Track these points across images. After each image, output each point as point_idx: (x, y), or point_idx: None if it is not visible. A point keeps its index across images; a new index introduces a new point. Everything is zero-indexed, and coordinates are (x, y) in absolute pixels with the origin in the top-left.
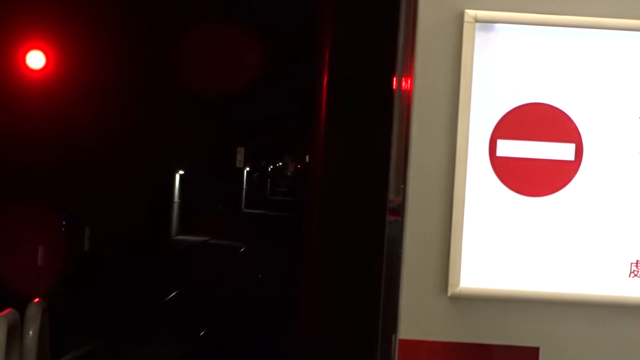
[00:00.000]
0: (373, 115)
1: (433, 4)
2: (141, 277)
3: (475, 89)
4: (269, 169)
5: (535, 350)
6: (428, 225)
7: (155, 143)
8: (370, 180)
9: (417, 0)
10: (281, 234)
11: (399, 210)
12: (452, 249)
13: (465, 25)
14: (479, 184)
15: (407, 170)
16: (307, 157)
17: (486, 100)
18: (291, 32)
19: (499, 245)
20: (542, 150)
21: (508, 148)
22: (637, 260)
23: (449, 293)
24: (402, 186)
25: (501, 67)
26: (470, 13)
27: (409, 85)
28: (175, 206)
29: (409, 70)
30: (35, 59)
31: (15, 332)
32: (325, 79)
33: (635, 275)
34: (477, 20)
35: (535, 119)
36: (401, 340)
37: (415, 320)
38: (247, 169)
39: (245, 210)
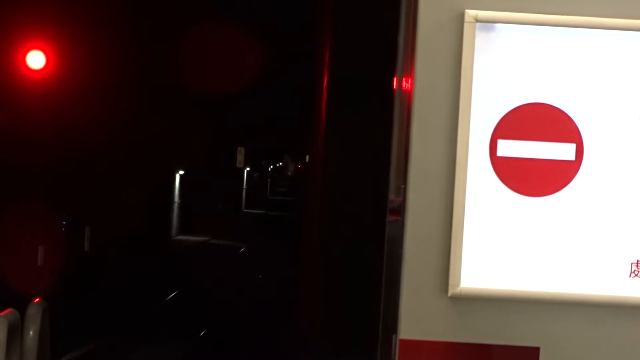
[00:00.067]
0: (373, 116)
1: (433, 4)
2: (141, 277)
3: (475, 89)
4: (269, 169)
5: (536, 350)
6: (428, 225)
7: (155, 143)
8: (371, 180)
9: (418, 0)
10: (281, 234)
11: (400, 210)
12: (453, 249)
13: (466, 25)
14: (479, 184)
15: (407, 170)
16: (307, 157)
17: (487, 100)
18: (291, 32)
19: (500, 246)
20: (543, 150)
21: (508, 148)
22: (638, 260)
23: (450, 293)
24: (403, 186)
25: (502, 67)
26: (470, 13)
27: (409, 85)
28: (175, 206)
29: (409, 70)
30: (35, 59)
31: (15, 332)
32: (325, 79)
33: (636, 275)
34: (477, 20)
35: (536, 119)
36: (401, 341)
37: (416, 320)
38: (247, 169)
39: (245, 210)
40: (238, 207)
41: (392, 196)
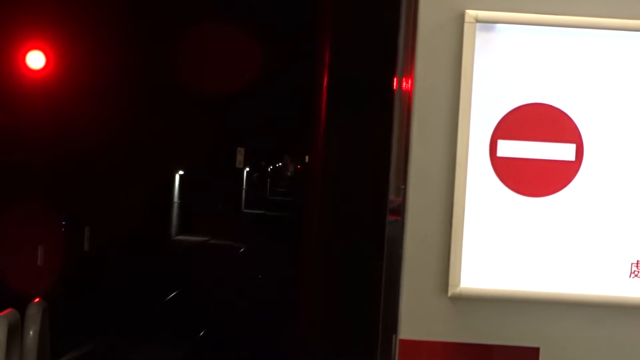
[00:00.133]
0: (373, 116)
1: (434, 4)
2: (141, 277)
3: (475, 89)
4: (269, 169)
5: (536, 351)
6: (428, 226)
7: (155, 143)
8: (371, 180)
9: (418, 1)
10: (281, 234)
11: (400, 211)
12: (453, 249)
13: (466, 26)
14: (479, 185)
15: (407, 171)
16: (307, 157)
17: (487, 101)
18: (291, 32)
19: (500, 246)
20: (543, 150)
21: (508, 148)
22: (638, 261)
23: (450, 293)
24: (403, 186)
25: (502, 68)
26: (471, 13)
27: (409, 86)
28: (175, 206)
29: (409, 70)
30: (35, 59)
31: (15, 332)
32: (325, 79)
33: (636, 275)
34: (477, 21)
35: (536, 120)
36: (401, 341)
37: (416, 321)
38: (247, 169)
39: (245, 211)
40: (238, 207)
41: (392, 196)
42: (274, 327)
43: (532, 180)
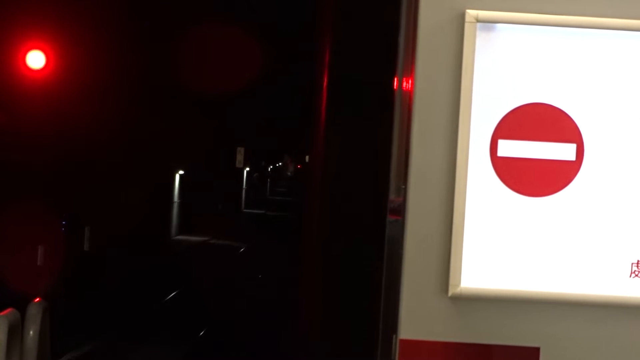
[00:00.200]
0: (373, 115)
1: (434, 4)
2: (141, 277)
3: (476, 89)
4: (269, 169)
5: (536, 351)
6: (429, 226)
7: (155, 143)
8: (371, 180)
9: (418, 0)
10: (281, 234)
11: (400, 211)
12: (453, 249)
13: (467, 26)
14: (479, 184)
15: (407, 171)
16: (307, 157)
17: (487, 101)
18: (291, 32)
19: (500, 246)
20: (543, 150)
21: (509, 148)
22: (638, 261)
23: (450, 293)
24: (403, 186)
25: (502, 67)
26: (471, 13)
27: (409, 86)
28: (175, 206)
29: (409, 70)
30: (35, 59)
31: (15, 331)
32: (325, 79)
33: (636, 275)
34: (478, 21)
35: (537, 119)
36: (402, 341)
37: (416, 321)
38: (247, 169)
39: (245, 211)
40: (238, 207)
41: (392, 196)
42: (274, 327)
43: (533, 180)
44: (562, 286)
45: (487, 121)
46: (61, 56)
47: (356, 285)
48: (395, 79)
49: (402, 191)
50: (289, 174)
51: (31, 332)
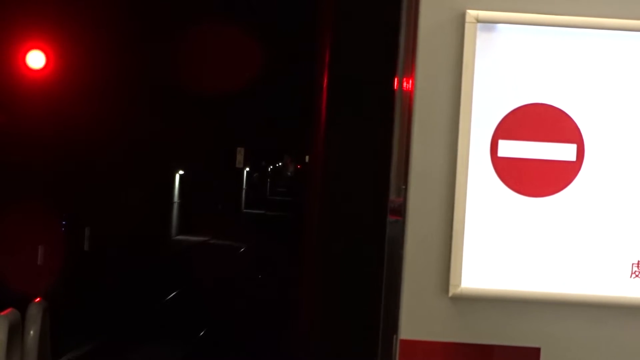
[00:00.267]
0: (373, 116)
1: (434, 4)
2: (141, 277)
3: (476, 89)
4: (269, 169)
5: (537, 351)
6: (429, 226)
7: (155, 143)
8: (371, 180)
9: (419, 1)
10: (281, 234)
11: (400, 211)
12: (454, 249)
13: (467, 26)
14: (480, 185)
15: (408, 171)
16: (307, 157)
17: (487, 101)
18: (291, 32)
19: (500, 246)
20: (544, 150)
21: (509, 148)
22: (639, 261)
23: (450, 293)
24: (403, 186)
25: (502, 68)
26: (471, 13)
27: (410, 86)
28: (175, 206)
29: (410, 70)
30: (35, 59)
31: (16, 331)
32: (325, 79)
33: (637, 275)
34: (478, 21)
35: (537, 120)
36: (402, 341)
37: (417, 321)
38: (247, 169)
39: (245, 211)
40: (238, 207)
41: (392, 196)
42: (274, 327)
43: (533, 180)
44: (563, 286)
45: (487, 121)
46: (61, 56)
47: (356, 285)
48: (396, 79)
49: (403, 191)
50: (289, 174)
51: (31, 332)
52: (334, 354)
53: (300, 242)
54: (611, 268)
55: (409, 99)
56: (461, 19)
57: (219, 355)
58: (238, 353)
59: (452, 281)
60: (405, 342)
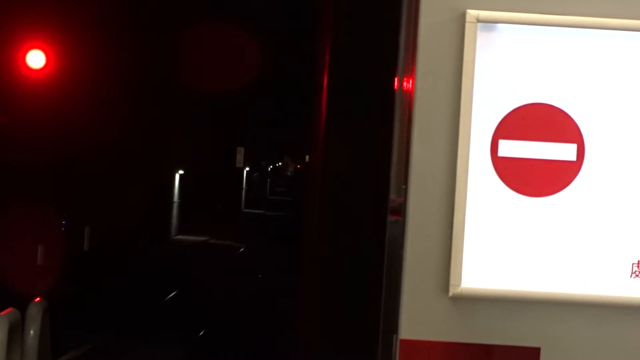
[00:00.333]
0: (373, 115)
1: (435, 4)
2: (141, 277)
3: (477, 89)
4: (269, 169)
5: (537, 351)
6: (429, 226)
7: (156, 143)
8: (371, 180)
9: (419, 0)
10: (281, 233)
11: (400, 211)
12: (454, 249)
13: (467, 26)
14: (480, 184)
15: (408, 171)
16: (307, 157)
17: (488, 101)
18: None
19: (501, 246)
20: (544, 150)
21: (510, 148)
22: (639, 261)
23: (451, 293)
24: (404, 186)
25: (503, 68)
26: (472, 13)
27: (410, 86)
28: (175, 206)
29: (410, 70)
30: (36, 59)
31: (16, 331)
32: (326, 79)
33: (637, 275)
34: (478, 21)
35: (537, 120)
36: (402, 341)
37: (417, 321)
38: (247, 169)
39: (244, 210)
40: (237, 207)
41: (393, 196)
42: (274, 327)
43: (534, 180)
44: (563, 286)
45: (487, 121)
46: (61, 56)
47: (356, 285)
48: (396, 79)
49: (403, 191)
50: (288, 174)
51: (32, 332)
52: (334, 354)
53: (300, 242)
54: (611, 268)
55: (409, 98)
56: (461, 18)
57: (219, 355)
58: (238, 353)
59: (452, 281)
60: (406, 342)
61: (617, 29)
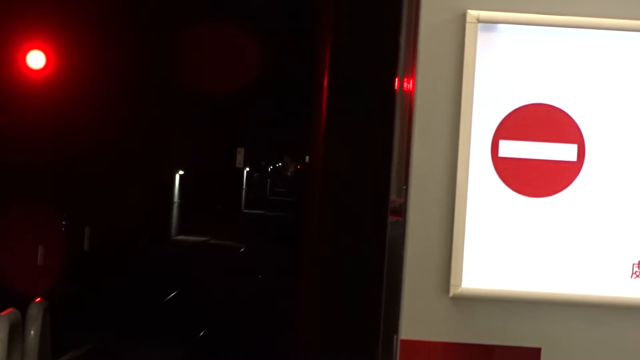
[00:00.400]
0: (373, 116)
1: (435, 5)
2: (141, 277)
3: (477, 89)
4: (269, 169)
5: (537, 351)
6: (430, 226)
7: (155, 143)
8: (371, 180)
9: (419, 1)
10: (281, 233)
11: (401, 211)
12: (454, 249)
13: (468, 26)
14: (481, 185)
15: (408, 171)
16: (307, 157)
17: (488, 101)
18: (291, 32)
19: (501, 246)
20: (544, 151)
21: (510, 149)
22: (639, 261)
23: (451, 293)
24: (404, 187)
25: (503, 68)
26: (472, 13)
27: (410, 86)
28: (175, 206)
29: (410, 70)
30: (36, 59)
31: (16, 331)
32: (326, 79)
33: (637, 276)
34: (479, 21)
35: (538, 120)
36: (403, 341)
37: (417, 321)
38: (247, 169)
39: (245, 211)
40: (237, 208)
41: (393, 196)
42: (274, 327)
43: (534, 180)
44: (564, 287)
45: (488, 121)
46: (61, 56)
47: (356, 286)
48: (396, 80)
49: (403, 192)
50: (289, 174)
51: (32, 332)
52: (334, 354)
53: (300, 242)
54: (612, 268)
55: (409, 99)
56: (462, 19)
57: (219, 355)
58: (238, 353)
59: (452, 281)
60: (406, 342)
61: (616, 29)
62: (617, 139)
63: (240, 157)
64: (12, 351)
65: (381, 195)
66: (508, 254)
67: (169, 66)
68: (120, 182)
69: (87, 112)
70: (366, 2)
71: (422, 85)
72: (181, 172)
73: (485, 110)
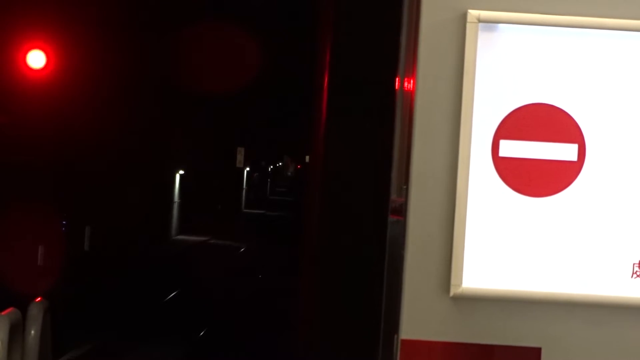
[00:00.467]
0: (374, 116)
1: (436, 4)
2: (141, 277)
3: (478, 89)
4: (269, 169)
5: (538, 351)
6: (430, 226)
7: (155, 143)
8: (372, 180)
9: (420, 1)
10: (281, 233)
11: (401, 211)
12: (455, 249)
13: (468, 26)
14: (481, 185)
15: (409, 171)
16: (307, 157)
17: (489, 101)
18: (291, 32)
19: (502, 246)
20: (545, 150)
21: (511, 148)
22: (639, 261)
23: (452, 293)
24: (405, 186)
25: (504, 68)
26: (473, 13)
27: (411, 86)
28: (175, 206)
29: (411, 70)
30: (36, 59)
31: (17, 331)
32: (326, 79)
33: (638, 276)
34: (480, 21)
35: (538, 120)
36: (403, 341)
37: (418, 321)
38: (247, 169)
39: (245, 211)
40: (238, 207)
41: (394, 196)
42: (274, 327)
43: (535, 180)
44: (564, 286)
45: (488, 121)
46: (62, 56)
47: (357, 286)
48: (397, 79)
49: (404, 191)
50: (289, 174)
51: (32, 332)
52: (334, 354)
53: (301, 242)
54: (612, 268)
55: (410, 99)
56: (462, 18)
57: (219, 355)
58: (238, 353)
59: (453, 281)
60: (406, 342)
61: (617, 29)
62: (618, 139)
63: (240, 157)
64: (12, 351)
65: (381, 195)
66: (508, 253)
67: (169, 66)
68: (121, 182)
69: (87, 112)
70: (366, 2)
71: (423, 85)
72: (181, 172)
73: (485, 110)
